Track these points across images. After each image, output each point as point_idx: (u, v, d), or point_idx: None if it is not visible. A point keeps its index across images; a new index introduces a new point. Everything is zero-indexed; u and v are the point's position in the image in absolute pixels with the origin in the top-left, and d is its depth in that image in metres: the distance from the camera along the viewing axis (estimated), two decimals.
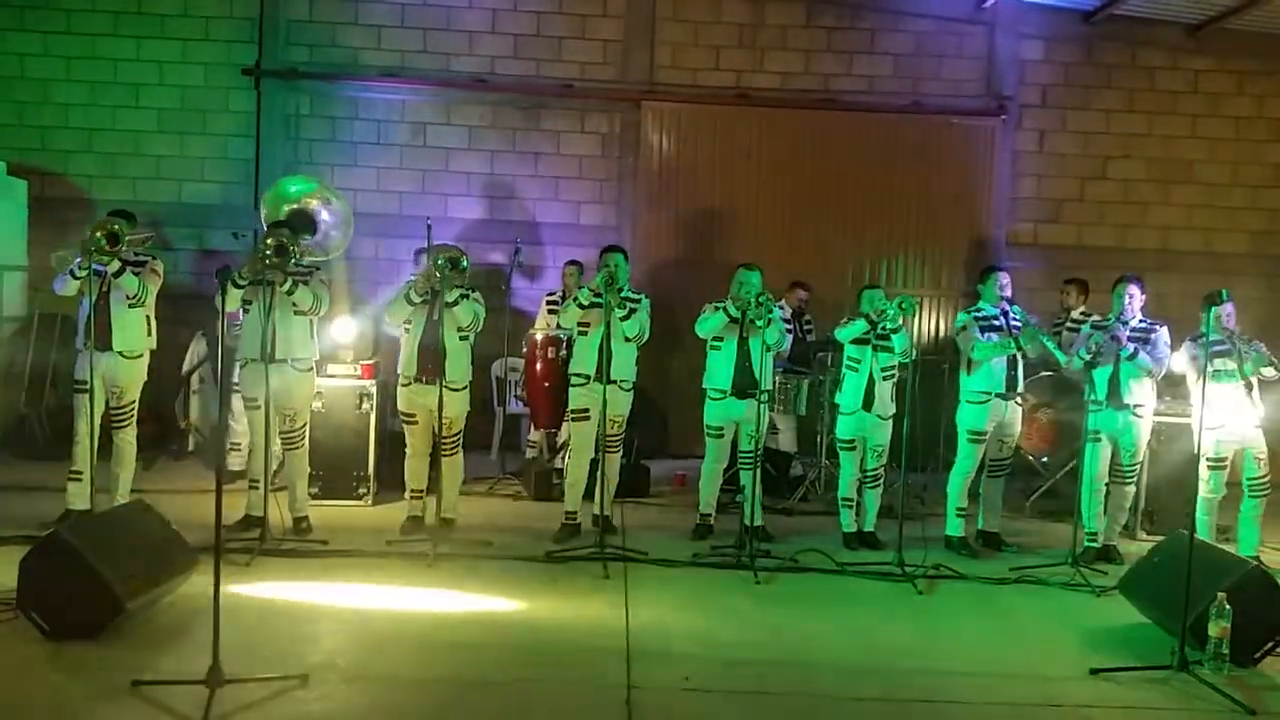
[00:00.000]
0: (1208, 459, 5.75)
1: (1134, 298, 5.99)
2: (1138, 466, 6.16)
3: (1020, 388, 6.16)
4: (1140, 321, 5.99)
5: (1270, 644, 4.36)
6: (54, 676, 3.79)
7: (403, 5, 9.02)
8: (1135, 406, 5.94)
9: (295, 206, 6.03)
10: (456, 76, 9.05)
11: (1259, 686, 4.17)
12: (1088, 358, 5.88)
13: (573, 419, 6.15)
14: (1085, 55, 9.32)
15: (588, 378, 6.01)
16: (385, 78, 9.00)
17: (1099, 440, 5.99)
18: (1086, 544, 5.96)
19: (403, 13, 9.04)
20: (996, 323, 6.05)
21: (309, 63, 9.02)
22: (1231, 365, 5.78)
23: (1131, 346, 5.87)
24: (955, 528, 6.16)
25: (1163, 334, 5.98)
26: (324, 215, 6.11)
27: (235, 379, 6.16)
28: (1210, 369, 5.64)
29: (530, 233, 9.02)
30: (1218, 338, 5.69)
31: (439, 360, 5.75)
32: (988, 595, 5.38)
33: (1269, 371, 5.79)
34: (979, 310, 6.16)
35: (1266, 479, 5.91)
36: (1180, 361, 6.00)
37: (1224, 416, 5.81)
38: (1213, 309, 5.02)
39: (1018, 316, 6.01)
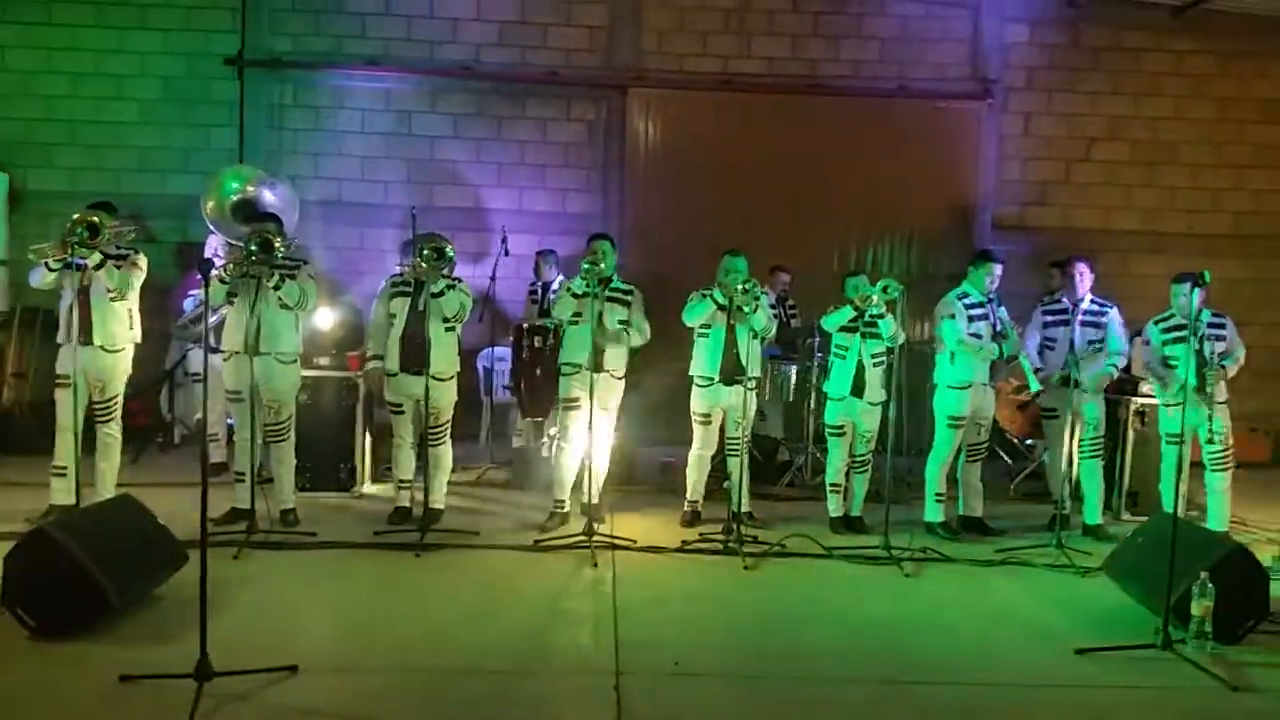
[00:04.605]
0: (1166, 435, 6.03)
1: (1084, 276, 6.07)
2: (1100, 440, 6.28)
3: (999, 374, 6.24)
4: (1092, 302, 6.05)
5: (1252, 621, 4.41)
6: (41, 673, 3.78)
7: None
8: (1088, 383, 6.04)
9: (238, 198, 5.97)
10: (441, 65, 9.01)
11: (1241, 663, 4.20)
12: (1037, 340, 6.10)
13: (564, 408, 6.15)
14: (1070, 38, 9.33)
15: (579, 366, 6.00)
16: (369, 66, 8.96)
17: (1056, 417, 6.16)
18: (1057, 512, 5.96)
19: (386, 1, 8.98)
20: (983, 312, 6.06)
21: (292, 52, 8.97)
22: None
23: (1086, 341, 5.99)
24: (934, 513, 6.19)
25: (1114, 315, 6.09)
26: (267, 196, 6.06)
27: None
28: (1167, 351, 5.98)
29: (516, 221, 8.99)
30: (1179, 321, 5.93)
31: (424, 351, 5.74)
32: (974, 577, 5.41)
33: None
34: (966, 296, 6.14)
35: (1225, 453, 6.03)
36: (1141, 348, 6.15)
37: (1183, 394, 5.91)
38: (1195, 290, 5.03)
39: (1002, 318, 6.05)
